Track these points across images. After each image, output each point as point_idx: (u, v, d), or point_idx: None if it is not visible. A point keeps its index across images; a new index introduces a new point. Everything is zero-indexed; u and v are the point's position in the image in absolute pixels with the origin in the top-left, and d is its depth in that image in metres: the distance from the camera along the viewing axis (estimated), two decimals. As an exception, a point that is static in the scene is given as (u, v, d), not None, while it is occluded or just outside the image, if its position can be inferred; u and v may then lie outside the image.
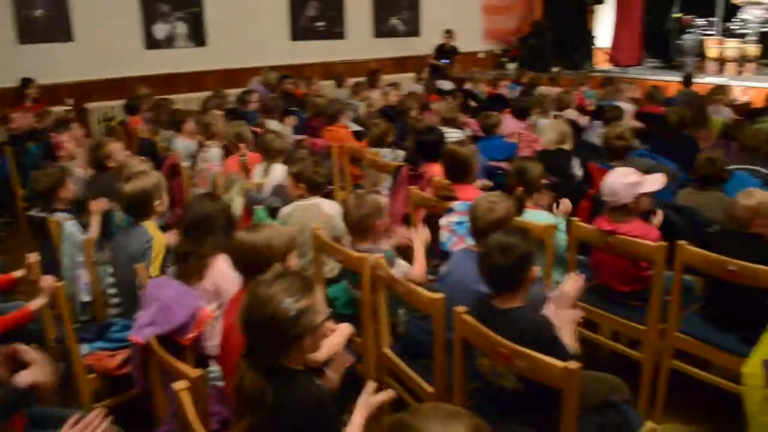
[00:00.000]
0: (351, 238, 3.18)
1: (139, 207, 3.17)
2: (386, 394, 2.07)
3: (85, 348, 2.92)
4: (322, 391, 1.93)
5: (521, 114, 6.30)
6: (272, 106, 6.48)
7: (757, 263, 2.69)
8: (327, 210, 3.56)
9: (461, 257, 2.87)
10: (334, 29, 10.38)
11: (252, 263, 2.37)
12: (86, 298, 3.42)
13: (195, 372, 2.08)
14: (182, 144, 5.42)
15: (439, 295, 2.41)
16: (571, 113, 6.60)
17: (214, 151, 4.98)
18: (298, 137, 5.96)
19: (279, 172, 4.32)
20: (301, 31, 10.03)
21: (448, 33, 10.38)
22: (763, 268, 2.65)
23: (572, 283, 2.49)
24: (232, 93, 7.89)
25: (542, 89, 8.49)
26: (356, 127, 6.26)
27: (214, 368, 2.65)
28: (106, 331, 3.05)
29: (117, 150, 4.41)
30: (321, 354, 2.37)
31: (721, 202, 3.66)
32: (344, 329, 2.60)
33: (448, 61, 10.11)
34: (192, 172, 4.89)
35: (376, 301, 2.81)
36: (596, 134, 5.81)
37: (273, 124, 6.09)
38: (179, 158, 4.84)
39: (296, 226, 3.28)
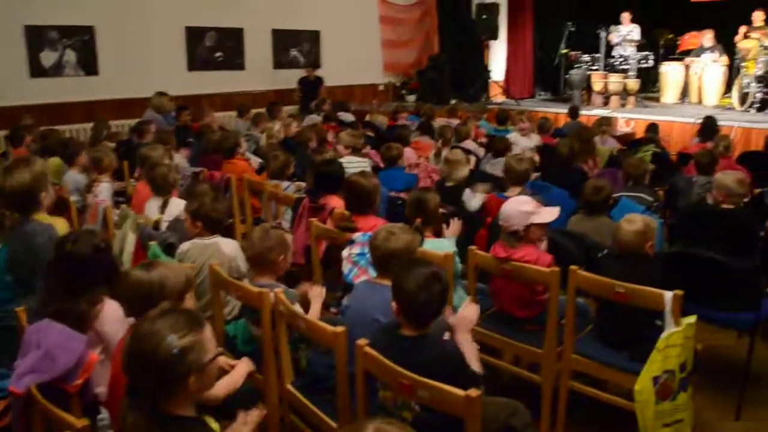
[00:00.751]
0: (251, 273, 3.10)
1: (23, 203, 2.95)
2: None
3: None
4: None
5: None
6: (167, 139, 6.28)
7: (643, 284, 2.83)
8: (226, 250, 3.43)
9: (362, 289, 2.86)
10: (234, 60, 10.27)
11: (145, 304, 2.24)
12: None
13: (80, 422, 1.93)
14: (72, 177, 5.15)
15: (340, 329, 2.38)
16: (470, 144, 6.81)
17: (104, 185, 4.77)
18: (195, 169, 5.81)
19: (177, 206, 4.17)
20: (198, 61, 9.85)
21: (311, 66, 10.41)
22: (647, 289, 2.80)
23: (470, 308, 2.55)
24: (127, 123, 7.61)
25: (440, 121, 8.71)
26: (256, 159, 6.18)
27: (105, 415, 2.49)
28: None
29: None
30: (220, 390, 2.29)
31: (608, 227, 3.86)
32: (243, 366, 2.52)
33: (304, 92, 10.10)
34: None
35: (277, 337, 2.75)
36: (491, 165, 6.01)
37: (176, 158, 5.94)
38: (67, 192, 4.59)
39: (193, 265, 3.17)
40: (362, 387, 2.34)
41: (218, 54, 10.07)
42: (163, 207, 4.22)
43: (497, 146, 6.16)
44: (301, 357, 2.94)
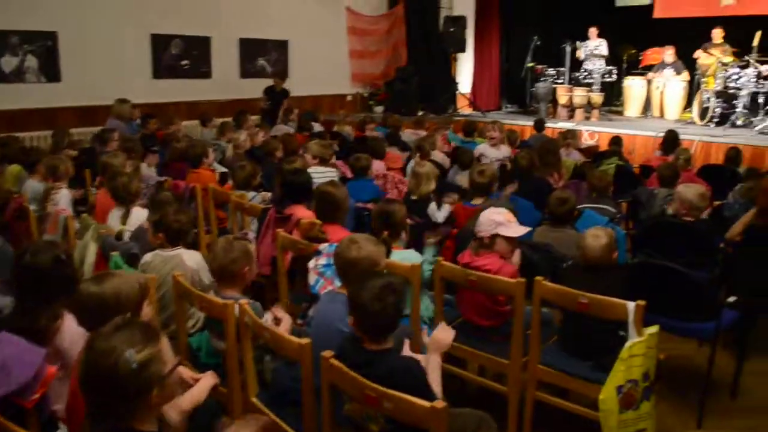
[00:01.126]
0: (216, 285, 3.06)
1: None
2: None
3: None
4: None
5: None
6: (132, 147, 6.19)
7: (609, 294, 2.86)
8: (189, 263, 3.37)
9: (325, 300, 2.84)
10: (200, 68, 10.15)
11: (101, 317, 2.17)
12: None
13: (36, 439, 1.88)
14: (31, 185, 5.03)
15: (306, 341, 2.36)
16: (437, 155, 6.84)
17: (63, 192, 4.67)
18: (160, 178, 5.73)
19: (139, 216, 4.10)
20: (164, 69, 9.72)
21: (279, 77, 10.37)
22: (611, 300, 2.84)
23: (445, 331, 2.55)
24: (90, 131, 7.47)
25: (409, 132, 8.74)
26: (222, 169, 6.12)
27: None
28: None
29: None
30: (184, 404, 2.25)
31: (572, 238, 3.90)
32: (207, 379, 2.48)
33: (270, 102, 10.04)
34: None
35: (242, 349, 2.71)
36: (460, 175, 6.04)
37: (141, 166, 5.85)
38: (26, 201, 4.48)
39: (153, 275, 3.11)
40: (328, 399, 2.32)
41: (184, 62, 9.95)
42: (125, 217, 4.14)
43: (462, 159, 6.20)
44: (266, 369, 2.90)
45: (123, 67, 9.17)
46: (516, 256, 3.44)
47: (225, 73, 10.50)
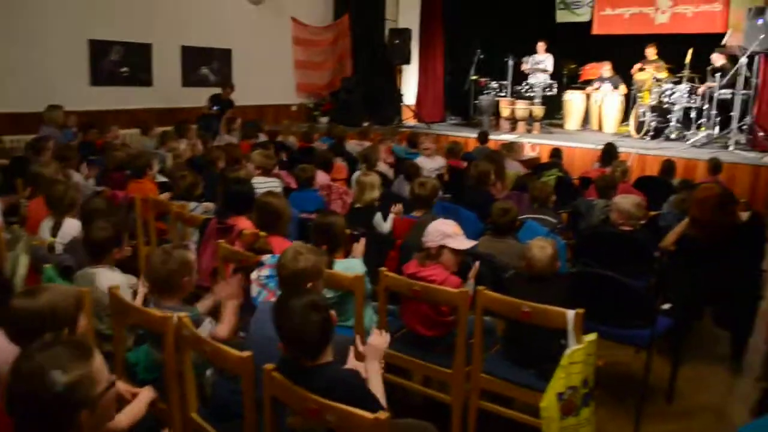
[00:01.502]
0: (155, 297, 2.96)
1: None
2: None
3: None
4: None
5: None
6: (68, 155, 5.99)
7: (553, 303, 2.91)
8: (102, 284, 3.13)
9: (264, 312, 2.77)
10: (140, 76, 9.91)
11: (35, 332, 2.09)
12: None
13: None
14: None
15: (246, 354, 2.31)
16: (382, 166, 6.86)
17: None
18: (98, 188, 5.57)
19: (73, 226, 3.96)
20: (103, 76, 9.43)
21: (229, 86, 10.25)
22: (551, 308, 2.89)
23: (379, 337, 2.53)
24: (24, 139, 7.19)
25: (352, 143, 8.74)
26: (162, 179, 5.98)
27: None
28: None
29: None
30: (122, 422, 2.17)
31: (514, 248, 3.97)
32: (145, 394, 2.40)
33: (218, 107, 9.93)
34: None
35: (182, 363, 2.64)
36: (401, 187, 6.08)
37: (75, 176, 5.66)
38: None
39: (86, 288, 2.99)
40: (270, 413, 2.28)
41: (124, 69, 9.69)
42: (56, 228, 3.99)
43: (409, 170, 6.22)
44: (207, 384, 2.83)
45: (59, 73, 8.86)
46: (473, 271, 3.44)
47: (166, 81, 10.27)
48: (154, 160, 5.64)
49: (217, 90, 10.10)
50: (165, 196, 5.19)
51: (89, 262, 3.29)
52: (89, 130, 7.94)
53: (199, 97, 10.04)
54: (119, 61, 9.62)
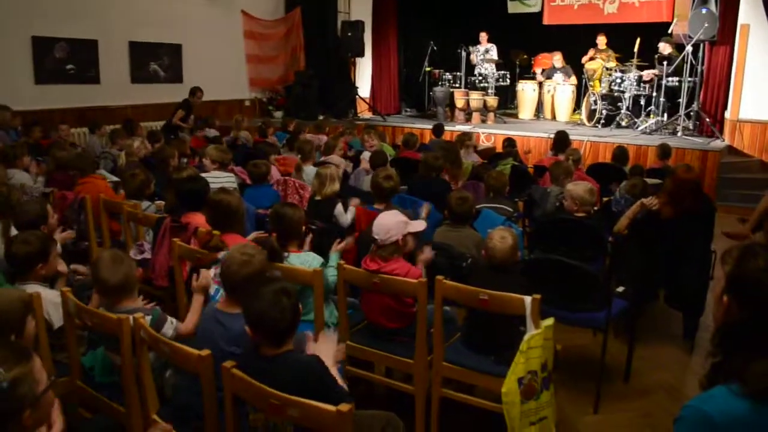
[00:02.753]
0: (109, 301, 2.88)
1: None
2: None
3: None
4: None
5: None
6: (14, 155, 5.79)
7: (514, 291, 2.94)
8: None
9: (209, 320, 2.70)
10: (87, 73, 9.63)
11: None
12: None
13: None
14: None
15: (206, 352, 2.28)
16: (335, 158, 6.82)
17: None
18: (45, 189, 5.40)
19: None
20: (48, 73, 9.14)
21: (200, 92, 10.03)
22: (509, 295, 2.92)
23: (326, 344, 2.50)
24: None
25: (308, 136, 8.68)
26: (114, 178, 5.84)
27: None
28: None
29: None
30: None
31: (471, 237, 4.00)
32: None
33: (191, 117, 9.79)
34: None
35: (140, 365, 2.58)
36: (359, 180, 6.06)
37: (23, 176, 5.49)
38: None
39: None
40: (231, 411, 2.25)
41: (70, 66, 9.41)
42: (6, 231, 3.85)
43: (376, 161, 6.19)
44: (167, 384, 2.78)
45: (1, 71, 8.57)
46: (426, 253, 3.47)
47: (115, 78, 10.01)
48: (97, 160, 5.47)
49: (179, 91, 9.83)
50: (119, 196, 5.08)
51: (16, 278, 3.03)
52: (32, 128, 7.70)
53: (148, 95, 9.83)
54: (64, 59, 9.33)
